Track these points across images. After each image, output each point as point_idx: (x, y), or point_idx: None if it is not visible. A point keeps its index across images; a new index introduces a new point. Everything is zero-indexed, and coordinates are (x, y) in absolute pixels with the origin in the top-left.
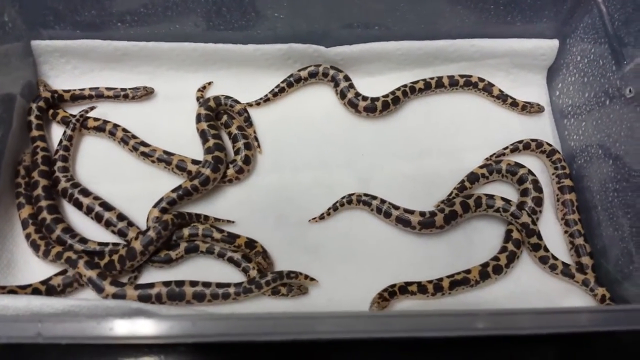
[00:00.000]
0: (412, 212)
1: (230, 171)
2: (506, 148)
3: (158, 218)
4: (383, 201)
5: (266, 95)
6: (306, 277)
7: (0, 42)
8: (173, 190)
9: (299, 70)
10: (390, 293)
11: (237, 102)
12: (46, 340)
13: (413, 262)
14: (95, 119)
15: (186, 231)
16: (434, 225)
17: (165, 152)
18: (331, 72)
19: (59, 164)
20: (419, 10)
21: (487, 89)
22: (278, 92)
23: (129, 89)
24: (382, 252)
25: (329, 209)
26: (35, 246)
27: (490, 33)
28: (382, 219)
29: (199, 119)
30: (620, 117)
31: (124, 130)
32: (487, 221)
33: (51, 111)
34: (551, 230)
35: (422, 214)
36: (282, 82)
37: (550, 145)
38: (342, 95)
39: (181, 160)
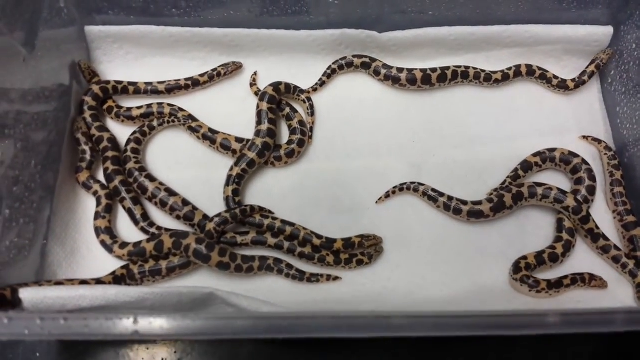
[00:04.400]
0: (479, 202)
1: (279, 153)
2: None
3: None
4: (450, 198)
5: (321, 79)
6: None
7: (56, 27)
8: (227, 184)
9: (354, 56)
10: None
11: (304, 91)
12: (142, 337)
13: (465, 250)
14: (139, 107)
15: (288, 229)
16: (504, 206)
17: (210, 129)
18: (383, 71)
19: (132, 145)
20: None
21: (562, 85)
22: (331, 74)
23: (219, 67)
24: (433, 240)
25: (394, 187)
26: (87, 186)
27: (544, 19)
28: (451, 215)
29: (263, 97)
30: None
31: (170, 105)
32: (539, 210)
33: (106, 105)
34: (603, 218)
35: (489, 200)
36: (334, 63)
37: (605, 142)
38: (377, 73)
39: (225, 139)
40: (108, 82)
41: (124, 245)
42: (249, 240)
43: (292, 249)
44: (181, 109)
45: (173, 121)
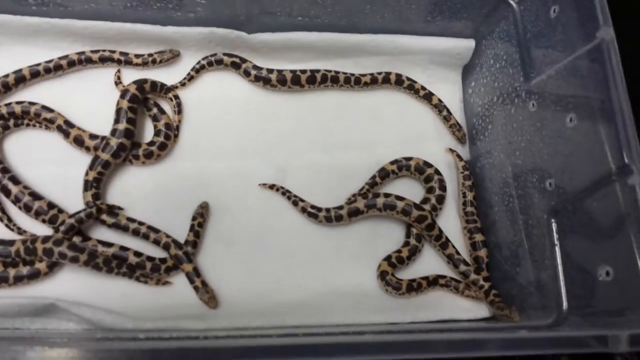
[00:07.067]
0: (354, 200)
1: (138, 152)
2: None
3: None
4: (328, 209)
5: (189, 74)
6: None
7: None
8: (85, 189)
9: (224, 54)
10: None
11: (171, 88)
12: None
13: (322, 252)
14: None
15: (152, 236)
16: (375, 205)
17: (66, 122)
18: (253, 72)
19: None
20: (341, 4)
21: (428, 97)
22: (199, 69)
23: (155, 53)
24: (293, 242)
25: (281, 188)
26: None
27: (410, 30)
28: (334, 224)
29: (124, 94)
30: (521, 127)
31: (19, 102)
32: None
33: None
34: (452, 225)
35: (363, 196)
36: (204, 59)
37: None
38: (247, 74)
39: (79, 134)
40: None
41: None
42: (109, 253)
43: (156, 268)
44: (32, 103)
45: (29, 122)
